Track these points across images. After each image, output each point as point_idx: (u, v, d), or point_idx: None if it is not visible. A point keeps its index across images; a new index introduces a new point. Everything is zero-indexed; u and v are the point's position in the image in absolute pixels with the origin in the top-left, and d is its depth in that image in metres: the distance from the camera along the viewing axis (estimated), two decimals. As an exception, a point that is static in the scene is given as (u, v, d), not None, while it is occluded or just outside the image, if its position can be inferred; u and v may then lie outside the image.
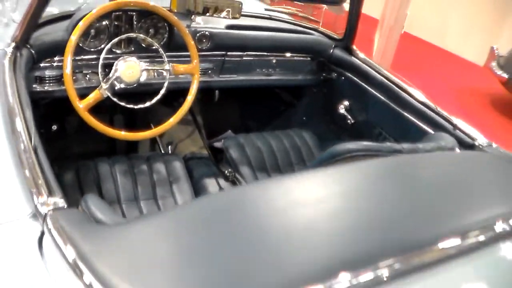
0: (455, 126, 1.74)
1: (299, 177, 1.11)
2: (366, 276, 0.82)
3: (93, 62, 1.76)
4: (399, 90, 1.96)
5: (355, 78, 2.17)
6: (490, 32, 6.20)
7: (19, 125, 1.17)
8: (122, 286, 0.75)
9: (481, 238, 0.96)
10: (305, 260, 0.84)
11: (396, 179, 1.18)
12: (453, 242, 0.93)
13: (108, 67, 1.71)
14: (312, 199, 1.01)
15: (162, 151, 2.33)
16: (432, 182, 1.18)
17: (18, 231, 0.93)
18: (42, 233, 0.91)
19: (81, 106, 1.60)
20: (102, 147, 2.19)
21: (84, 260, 0.80)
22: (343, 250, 0.89)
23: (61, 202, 0.96)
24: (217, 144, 2.22)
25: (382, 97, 2.03)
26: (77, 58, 1.72)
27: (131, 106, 1.70)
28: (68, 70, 1.58)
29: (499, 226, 1.00)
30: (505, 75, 4.82)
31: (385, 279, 0.82)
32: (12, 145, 1.12)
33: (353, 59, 2.18)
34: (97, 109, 1.67)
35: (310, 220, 0.95)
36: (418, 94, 1.91)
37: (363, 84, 2.13)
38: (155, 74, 1.79)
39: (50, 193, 0.98)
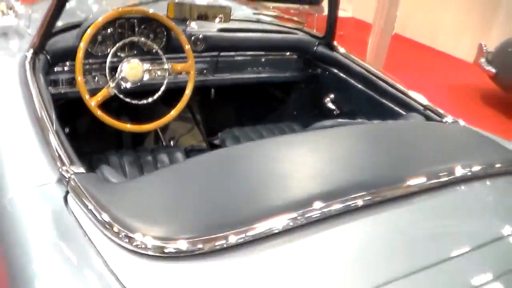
0: (425, 107, 1.94)
1: (279, 139, 1.33)
2: (336, 206, 1.04)
3: (100, 65, 1.99)
4: (376, 79, 2.17)
5: (338, 72, 2.38)
6: (479, 31, 6.42)
7: (44, 115, 1.40)
8: (132, 222, 0.97)
9: (430, 182, 1.19)
10: (286, 195, 1.07)
11: (365, 138, 1.42)
12: (408, 184, 1.16)
13: (114, 69, 1.93)
14: (292, 154, 1.24)
15: (165, 145, 2.56)
16: (396, 140, 1.42)
17: (47, 192, 1.15)
18: (67, 192, 1.12)
19: (93, 103, 1.83)
20: (110, 143, 2.40)
21: (102, 207, 1.02)
22: (317, 187, 1.11)
23: (81, 169, 1.18)
24: (216, 142, 2.41)
25: (362, 87, 2.24)
26: (86, 62, 1.94)
27: (135, 101, 1.92)
28: (79, 72, 1.81)
29: (446, 174, 1.22)
30: (493, 70, 5.03)
31: (352, 209, 1.05)
32: (38, 130, 1.34)
33: (335, 54, 2.40)
34: (105, 107, 1.89)
35: (289, 168, 1.18)
36: (392, 81, 2.12)
37: (345, 76, 2.34)
38: (156, 73, 2.01)
39: (72, 163, 1.20)
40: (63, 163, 1.20)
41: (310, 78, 2.53)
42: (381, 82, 2.15)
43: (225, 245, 0.93)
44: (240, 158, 1.21)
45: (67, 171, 1.17)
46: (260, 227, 0.97)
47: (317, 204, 1.03)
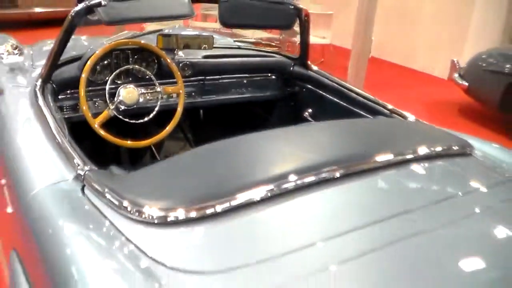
0: (390, 110, 2.21)
1: (261, 133, 1.58)
2: (308, 179, 1.29)
3: (100, 92, 2.25)
4: (346, 90, 2.44)
5: (313, 88, 2.66)
6: (452, 49, 6.79)
7: (57, 128, 1.64)
8: (140, 200, 1.21)
9: (389, 160, 1.47)
10: (264, 172, 1.32)
11: (334, 129, 1.71)
12: (370, 160, 1.44)
13: (112, 94, 2.19)
14: (271, 143, 1.51)
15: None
16: (362, 130, 1.72)
17: (67, 187, 1.38)
18: (83, 186, 1.36)
19: (96, 124, 2.08)
20: (110, 161, 2.65)
21: (114, 192, 1.26)
22: (292, 164, 1.36)
23: (93, 167, 1.42)
24: None
25: (335, 99, 2.50)
26: (87, 89, 2.20)
27: (133, 121, 2.18)
28: (83, 98, 2.07)
29: (403, 154, 1.51)
30: (466, 83, 5.35)
31: (321, 181, 1.30)
32: (54, 141, 1.59)
33: (310, 72, 2.67)
34: (106, 128, 2.14)
35: (268, 153, 1.45)
36: (360, 91, 2.39)
37: (319, 91, 2.62)
38: (150, 96, 2.27)
39: (85, 163, 1.44)
40: (78, 164, 1.44)
41: (289, 95, 2.80)
42: (351, 93, 2.42)
43: (212, 212, 1.17)
44: (225, 148, 1.46)
45: (82, 170, 1.41)
46: (242, 197, 1.21)
47: (292, 177, 1.28)
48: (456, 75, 5.57)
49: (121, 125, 2.20)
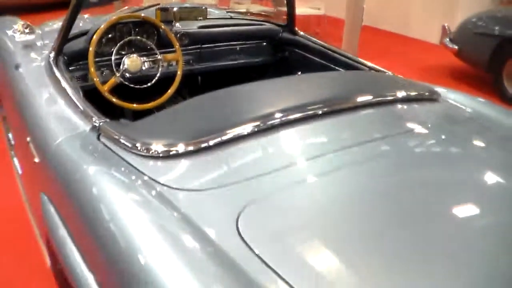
0: (370, 67, 2.44)
1: (251, 84, 1.83)
2: (292, 115, 1.55)
3: (106, 62, 2.49)
4: (331, 52, 2.67)
5: (301, 52, 2.89)
6: (446, 15, 6.95)
7: (72, 89, 1.90)
8: (147, 139, 1.46)
9: (365, 100, 1.73)
10: (253, 111, 1.58)
11: (316, 79, 1.97)
12: (348, 101, 1.70)
13: (118, 64, 2.43)
14: (259, 90, 1.77)
15: None
16: (339, 78, 2.02)
17: (85, 136, 1.64)
18: (99, 134, 1.62)
19: (106, 89, 2.32)
20: None
21: (125, 136, 1.51)
22: (278, 105, 1.62)
23: (106, 119, 1.68)
24: None
25: (321, 60, 2.73)
26: (95, 60, 2.44)
27: (138, 86, 2.42)
28: (92, 68, 2.31)
29: (379, 96, 1.77)
30: (455, 47, 5.54)
31: (303, 118, 1.56)
32: (71, 100, 1.84)
33: (297, 37, 2.90)
34: (114, 94, 2.38)
35: (257, 98, 1.71)
36: (343, 52, 2.62)
37: (307, 54, 2.85)
38: (152, 64, 2.51)
39: (99, 117, 1.70)
40: (93, 117, 1.69)
41: (279, 60, 3.03)
42: (334, 54, 2.65)
43: (206, 146, 1.43)
44: (218, 96, 1.71)
45: (97, 122, 1.66)
46: (231, 132, 1.46)
47: (275, 115, 1.53)
48: (447, 39, 5.76)
49: (127, 91, 2.45)
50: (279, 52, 3.03)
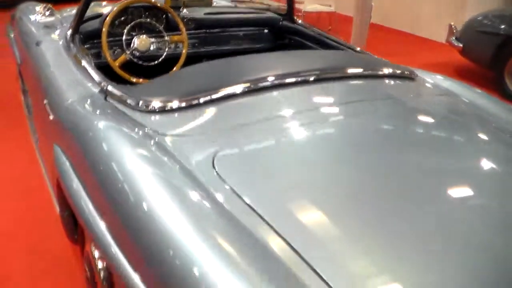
0: (357, 51, 2.65)
1: (246, 56, 2.07)
2: (280, 81, 1.79)
3: (118, 42, 2.73)
4: (326, 39, 2.88)
5: (300, 39, 3.11)
6: (454, 15, 7.10)
7: (86, 59, 2.14)
8: (146, 97, 1.69)
9: (344, 73, 1.98)
10: (244, 75, 1.82)
11: (305, 54, 2.23)
12: (330, 71, 1.95)
13: (128, 44, 2.68)
14: (253, 61, 2.03)
15: None
16: (325, 55, 2.24)
17: (94, 97, 1.88)
18: (106, 95, 1.86)
19: (117, 64, 2.57)
20: None
21: (128, 94, 1.75)
22: (265, 71, 1.86)
23: (113, 83, 1.92)
24: None
25: (317, 47, 2.95)
26: (108, 40, 2.69)
27: (146, 63, 2.67)
28: (105, 46, 2.56)
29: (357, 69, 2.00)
30: (460, 45, 5.70)
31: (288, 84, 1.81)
32: (83, 69, 2.09)
33: (296, 26, 3.12)
34: (124, 70, 2.63)
35: (249, 67, 1.96)
36: (337, 38, 2.83)
37: (304, 41, 3.06)
38: (159, 44, 2.75)
39: (106, 82, 1.94)
40: (101, 82, 1.94)
41: (279, 46, 3.26)
42: (331, 41, 2.87)
43: (197, 102, 1.66)
44: (214, 64, 1.96)
45: (104, 85, 1.90)
46: (221, 92, 1.70)
47: (262, 80, 1.77)
48: (453, 38, 5.91)
49: (135, 69, 2.69)
50: (279, 39, 3.25)
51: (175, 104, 1.66)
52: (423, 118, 1.92)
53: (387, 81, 2.09)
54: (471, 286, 1.16)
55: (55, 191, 2.05)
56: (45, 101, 2.14)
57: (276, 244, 1.20)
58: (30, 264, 2.36)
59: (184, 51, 2.76)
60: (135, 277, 1.27)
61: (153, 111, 1.67)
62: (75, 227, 2.05)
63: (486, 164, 1.66)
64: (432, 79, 2.31)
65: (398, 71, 2.15)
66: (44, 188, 2.48)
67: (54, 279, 2.27)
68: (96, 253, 1.67)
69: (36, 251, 2.45)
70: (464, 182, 1.52)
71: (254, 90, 1.75)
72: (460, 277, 1.18)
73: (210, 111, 1.67)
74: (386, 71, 2.11)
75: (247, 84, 1.75)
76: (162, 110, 1.66)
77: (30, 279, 2.27)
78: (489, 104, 2.17)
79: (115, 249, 1.36)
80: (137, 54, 2.67)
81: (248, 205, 1.29)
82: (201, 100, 1.68)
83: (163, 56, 2.72)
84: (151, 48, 2.71)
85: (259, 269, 1.14)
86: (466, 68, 5.97)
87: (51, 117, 2.01)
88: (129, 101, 1.75)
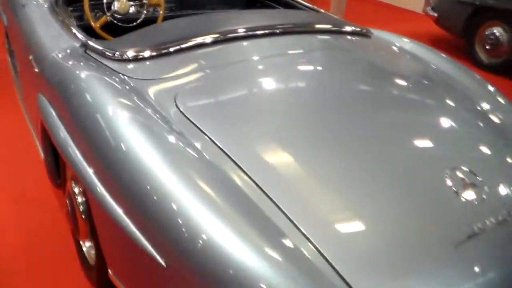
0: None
1: (213, 13, 2.29)
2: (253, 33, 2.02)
3: (99, 6, 2.91)
4: (296, 3, 3.08)
5: (270, 3, 3.30)
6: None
7: (69, 19, 2.33)
8: (121, 48, 1.90)
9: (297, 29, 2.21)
10: (211, 27, 2.05)
11: (265, 13, 2.41)
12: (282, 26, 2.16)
13: (109, 7, 2.86)
14: (217, 17, 2.26)
15: None
16: (285, 13, 2.44)
17: (75, 50, 2.09)
18: (86, 48, 2.06)
19: (98, 25, 2.76)
20: None
21: (105, 47, 1.96)
22: (231, 25, 2.10)
23: (93, 39, 2.12)
24: None
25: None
26: (90, 3, 2.86)
27: (125, 25, 2.86)
28: (87, 9, 2.75)
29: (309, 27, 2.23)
30: (435, 14, 5.91)
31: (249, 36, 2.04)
32: (67, 27, 2.28)
33: None
34: (105, 31, 2.82)
35: (216, 23, 2.16)
36: (305, 3, 3.03)
37: (276, 6, 3.26)
38: (138, 8, 2.94)
39: (86, 37, 2.14)
40: (82, 38, 2.13)
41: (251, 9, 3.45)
42: (299, 5, 3.07)
43: (167, 51, 1.88)
44: (186, 19, 2.17)
45: (85, 40, 2.10)
46: (187, 42, 1.92)
47: (230, 31, 1.99)
48: (428, 8, 6.12)
49: (116, 31, 2.87)
50: (251, 3, 3.44)
51: (147, 53, 1.88)
52: (373, 65, 2.18)
53: (343, 36, 2.31)
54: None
55: (39, 138, 2.26)
56: (30, 57, 2.33)
57: (232, 171, 1.43)
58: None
59: (161, 12, 2.95)
60: (117, 209, 1.48)
61: (128, 60, 1.88)
62: (57, 172, 2.27)
63: (429, 109, 1.92)
64: (385, 36, 2.54)
65: (356, 29, 2.37)
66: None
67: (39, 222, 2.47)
68: (76, 190, 1.89)
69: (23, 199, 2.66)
70: (403, 117, 1.79)
71: (219, 41, 1.96)
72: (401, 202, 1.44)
73: (179, 58, 1.89)
74: (344, 28, 2.32)
75: (214, 35, 1.96)
76: (136, 59, 1.87)
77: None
78: (442, 63, 2.41)
79: (99, 187, 1.56)
80: (117, 16, 2.85)
81: (208, 136, 1.52)
82: (171, 49, 1.90)
83: (141, 19, 2.90)
84: (130, 10, 2.89)
85: (220, 194, 1.36)
86: (440, 37, 6.19)
87: (36, 70, 2.21)
88: (107, 52, 1.95)
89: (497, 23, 5.21)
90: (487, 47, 5.30)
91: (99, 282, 1.90)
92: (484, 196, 1.46)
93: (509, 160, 1.72)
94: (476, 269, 1.29)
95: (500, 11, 5.12)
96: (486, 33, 5.29)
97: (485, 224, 1.38)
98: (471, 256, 1.32)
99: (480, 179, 1.51)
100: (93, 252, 1.93)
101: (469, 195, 1.45)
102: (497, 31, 5.20)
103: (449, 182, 1.47)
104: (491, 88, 2.22)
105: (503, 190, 1.53)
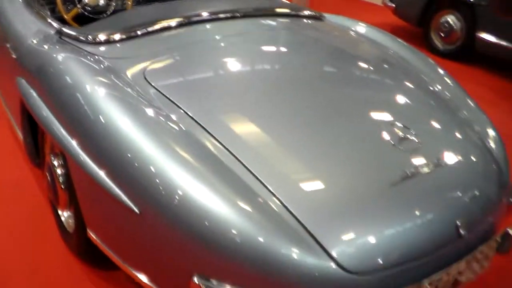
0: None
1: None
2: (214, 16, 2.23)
3: None
4: None
5: None
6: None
7: (43, 11, 2.49)
8: (95, 35, 2.08)
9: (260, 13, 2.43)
10: (177, 12, 2.25)
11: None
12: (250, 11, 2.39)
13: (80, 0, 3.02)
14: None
15: None
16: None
17: (50, 37, 2.25)
18: (60, 35, 2.23)
19: (69, 17, 2.91)
20: None
21: (80, 33, 2.13)
22: (198, 9, 2.29)
23: (67, 26, 2.28)
24: None
25: None
26: None
27: (96, 16, 3.01)
28: (60, 1, 2.89)
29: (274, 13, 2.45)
30: (393, 5, 6.20)
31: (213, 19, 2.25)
32: (40, 16, 2.44)
33: None
34: (77, 23, 2.97)
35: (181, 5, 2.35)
36: None
37: None
38: (108, 0, 3.10)
39: (60, 25, 2.30)
40: (57, 26, 2.30)
41: None
42: None
43: (135, 34, 2.06)
44: (154, 6, 2.36)
45: (59, 28, 2.27)
46: (154, 26, 2.11)
47: (194, 15, 2.20)
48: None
49: (87, 22, 3.03)
50: None
51: (117, 36, 2.07)
52: (326, 42, 2.42)
53: (299, 19, 2.54)
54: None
55: (18, 120, 2.41)
56: (7, 45, 2.48)
57: (204, 138, 1.64)
58: None
59: (129, 2, 3.12)
60: (99, 172, 1.65)
61: (100, 43, 2.06)
62: (36, 152, 2.43)
63: (379, 82, 2.19)
64: (337, 20, 2.78)
65: (309, 13, 2.60)
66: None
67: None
68: (56, 163, 2.06)
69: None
70: (355, 88, 2.07)
71: (183, 24, 2.16)
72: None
73: (147, 40, 2.08)
74: (299, 12, 2.55)
75: (179, 19, 2.16)
76: (107, 41, 2.06)
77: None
78: (393, 43, 2.65)
79: (82, 156, 1.73)
80: (88, 8, 3.01)
81: (175, 104, 1.72)
82: (139, 32, 2.09)
83: (111, 10, 3.06)
84: (100, 3, 3.06)
85: (195, 157, 1.56)
86: (398, 26, 6.49)
87: (13, 56, 2.36)
88: (80, 37, 2.13)
89: (450, 11, 5.51)
90: (442, 34, 5.61)
91: (78, 247, 2.07)
92: (418, 146, 1.71)
93: (446, 123, 1.97)
94: (410, 205, 1.53)
95: (453, 0, 5.42)
96: (441, 21, 5.59)
97: (417, 169, 1.61)
98: (406, 196, 1.55)
99: (413, 132, 1.75)
100: (71, 220, 2.10)
101: (404, 145, 1.69)
102: (451, 19, 5.50)
103: (387, 136, 1.71)
104: (441, 71, 2.46)
105: (434, 142, 1.78)
